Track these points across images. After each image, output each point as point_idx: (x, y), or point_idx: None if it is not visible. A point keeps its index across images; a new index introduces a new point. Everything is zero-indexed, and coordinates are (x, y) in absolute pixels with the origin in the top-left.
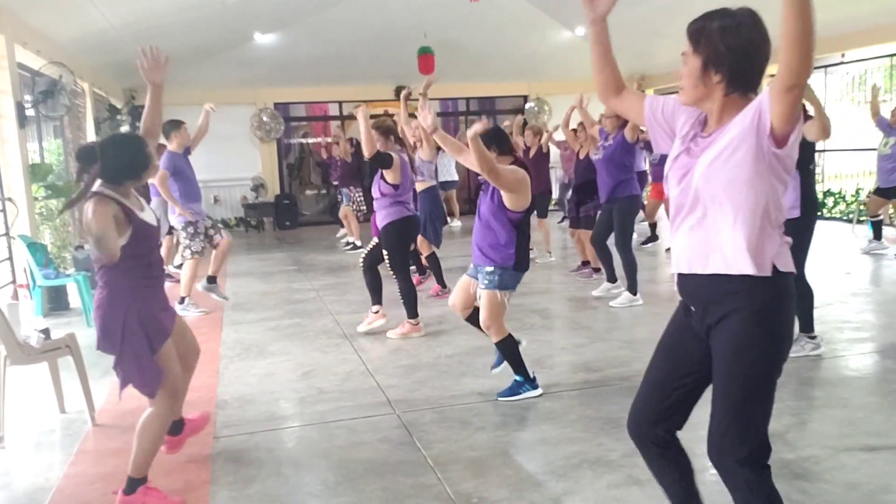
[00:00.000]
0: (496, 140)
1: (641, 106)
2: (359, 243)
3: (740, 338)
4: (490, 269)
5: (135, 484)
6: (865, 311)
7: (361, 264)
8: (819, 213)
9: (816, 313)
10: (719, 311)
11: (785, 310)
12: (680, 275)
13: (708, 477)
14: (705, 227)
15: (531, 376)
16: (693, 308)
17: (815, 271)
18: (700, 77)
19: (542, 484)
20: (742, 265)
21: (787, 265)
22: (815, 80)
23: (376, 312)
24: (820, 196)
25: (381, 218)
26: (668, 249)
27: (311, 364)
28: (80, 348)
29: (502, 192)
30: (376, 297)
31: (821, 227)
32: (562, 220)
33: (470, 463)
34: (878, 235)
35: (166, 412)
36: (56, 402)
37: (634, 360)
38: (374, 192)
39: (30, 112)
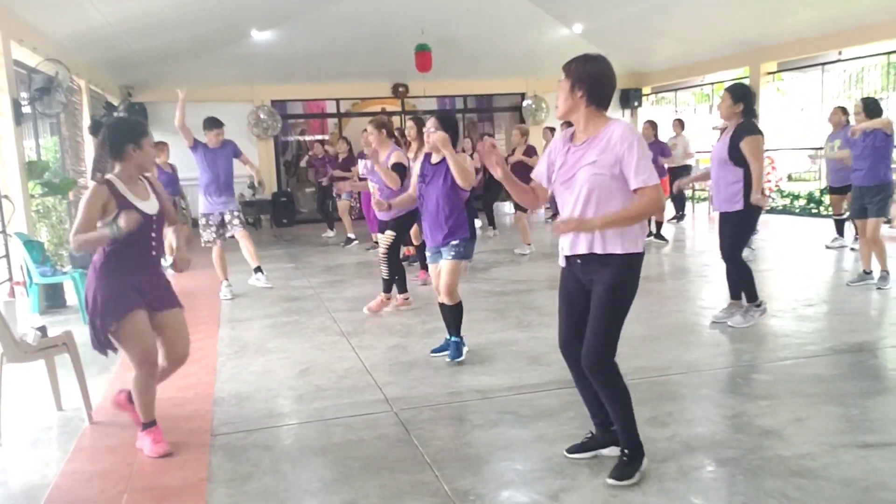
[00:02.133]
0: (451, 126)
1: (544, 185)
2: (353, 236)
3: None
4: (456, 242)
5: (146, 425)
6: (861, 309)
7: (386, 257)
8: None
9: (811, 311)
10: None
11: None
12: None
13: (704, 473)
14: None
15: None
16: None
17: (812, 268)
18: (569, 94)
19: (540, 481)
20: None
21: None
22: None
23: (406, 299)
24: (817, 193)
25: (396, 210)
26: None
27: (308, 361)
28: (76, 346)
29: (456, 175)
30: (404, 284)
31: (819, 225)
32: (552, 216)
33: (467, 460)
34: (840, 231)
35: (140, 373)
36: (53, 399)
37: (630, 358)
38: (382, 189)
39: (26, 109)
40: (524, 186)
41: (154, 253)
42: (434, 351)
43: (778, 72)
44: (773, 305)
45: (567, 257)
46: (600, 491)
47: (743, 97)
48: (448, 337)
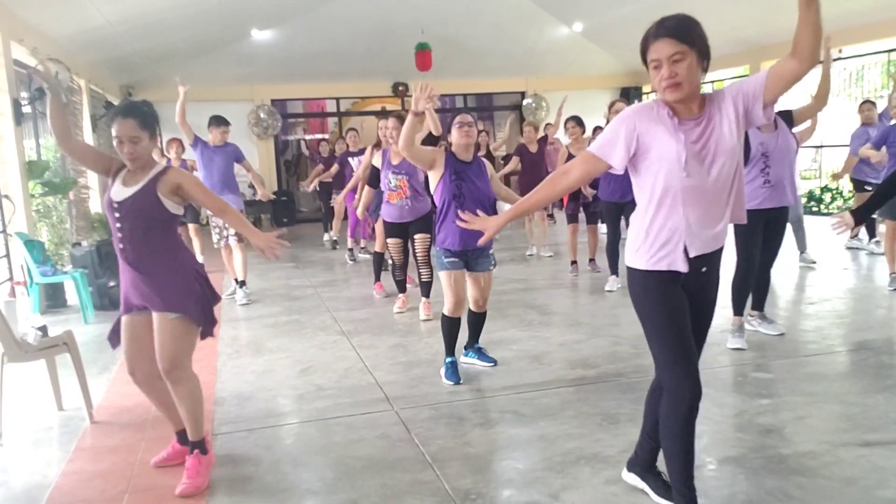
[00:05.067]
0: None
1: (603, 165)
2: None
3: None
4: (491, 250)
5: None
6: (862, 307)
7: (426, 259)
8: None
9: (812, 309)
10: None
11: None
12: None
13: (705, 472)
14: (730, 207)
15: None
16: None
17: (813, 267)
18: (698, 66)
19: (540, 480)
20: None
21: None
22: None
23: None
24: (818, 192)
25: (424, 207)
26: None
27: (309, 361)
28: (77, 345)
29: (401, 135)
30: (404, 285)
31: (818, 223)
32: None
33: (468, 459)
34: (871, 232)
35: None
36: (54, 399)
37: (632, 357)
38: (406, 182)
39: (26, 109)
40: (546, 182)
41: (122, 245)
42: (469, 356)
43: None
44: (776, 304)
45: (696, 258)
46: (601, 490)
47: None
48: (450, 358)
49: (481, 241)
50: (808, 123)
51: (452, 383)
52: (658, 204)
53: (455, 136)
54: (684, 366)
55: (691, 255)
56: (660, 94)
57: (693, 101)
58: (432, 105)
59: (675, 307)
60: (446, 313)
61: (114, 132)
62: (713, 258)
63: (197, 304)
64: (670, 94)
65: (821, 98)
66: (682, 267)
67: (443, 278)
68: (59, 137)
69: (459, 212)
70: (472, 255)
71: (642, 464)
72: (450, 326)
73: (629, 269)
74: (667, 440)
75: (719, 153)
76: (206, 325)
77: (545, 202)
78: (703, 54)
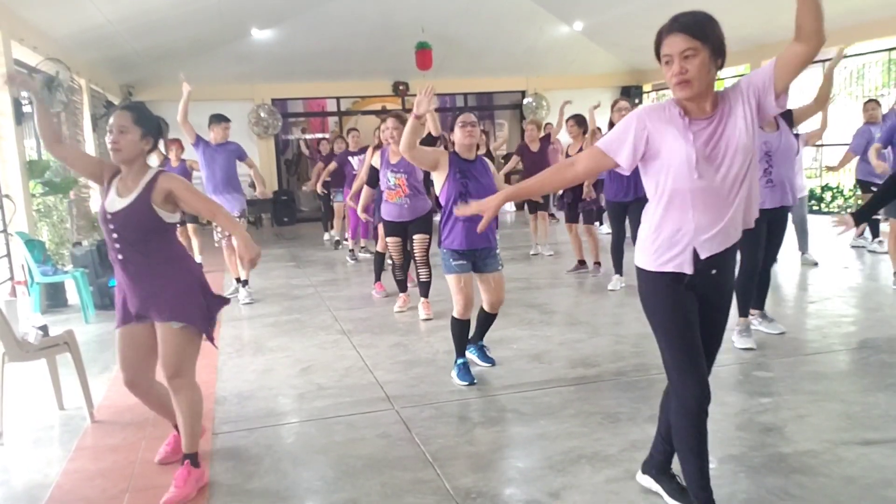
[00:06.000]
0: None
1: (609, 161)
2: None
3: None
4: (497, 250)
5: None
6: (862, 306)
7: (425, 259)
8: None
9: (814, 307)
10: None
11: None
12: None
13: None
14: (740, 206)
15: None
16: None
17: (813, 266)
18: (711, 63)
19: (541, 479)
20: None
21: None
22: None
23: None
24: (818, 191)
25: (423, 207)
26: None
27: (309, 360)
28: (78, 345)
29: (403, 136)
30: (405, 284)
31: (819, 222)
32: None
33: (468, 458)
34: (875, 232)
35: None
36: (55, 398)
37: (631, 356)
38: (404, 180)
39: (27, 108)
40: (552, 169)
41: (120, 256)
42: (471, 352)
43: None
44: (776, 303)
45: (705, 260)
46: (601, 488)
47: None
48: (461, 359)
49: (481, 226)
50: (817, 125)
51: (466, 384)
52: (667, 204)
53: (458, 136)
54: (691, 369)
55: (702, 256)
56: (671, 90)
57: (705, 99)
58: (433, 106)
59: (683, 310)
60: (456, 316)
61: (109, 124)
62: (724, 260)
63: (199, 312)
64: (680, 90)
65: (821, 100)
66: (689, 269)
67: (451, 282)
68: (47, 142)
69: (456, 205)
70: (479, 256)
71: (657, 466)
72: (459, 328)
73: (638, 269)
74: (679, 443)
75: (731, 153)
76: (208, 330)
77: (546, 189)
78: (717, 51)
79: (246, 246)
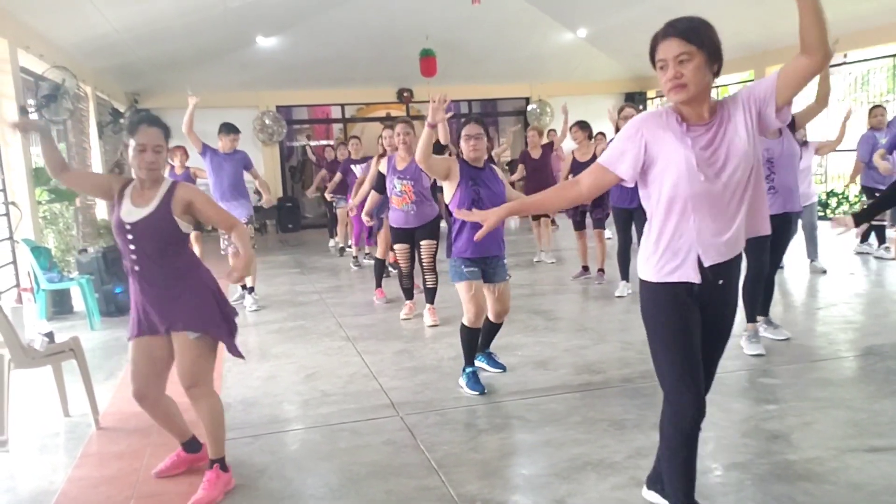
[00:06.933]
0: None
1: (611, 176)
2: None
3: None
4: (504, 259)
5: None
6: (869, 312)
7: (432, 266)
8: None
9: (820, 314)
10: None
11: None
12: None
13: (712, 478)
14: (743, 214)
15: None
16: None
17: (822, 274)
18: (706, 68)
19: (546, 486)
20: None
21: None
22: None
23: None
24: (823, 196)
25: (430, 213)
26: None
27: (314, 367)
28: (83, 351)
29: (418, 149)
30: (411, 291)
31: (824, 228)
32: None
33: (473, 465)
34: (881, 238)
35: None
36: (60, 405)
37: (637, 362)
38: (411, 187)
39: (33, 116)
40: (558, 187)
41: (138, 268)
42: (479, 360)
43: None
44: (783, 309)
45: (712, 270)
46: (607, 496)
47: None
48: (470, 368)
49: (479, 234)
50: (830, 137)
51: (478, 393)
52: (667, 212)
53: (464, 149)
54: (689, 382)
55: (706, 264)
56: (665, 95)
57: (702, 105)
58: (446, 116)
59: (685, 322)
60: (466, 324)
61: (137, 140)
62: (730, 270)
63: (215, 322)
64: (675, 94)
65: (821, 99)
66: (695, 278)
67: (462, 290)
68: (55, 173)
69: (457, 210)
70: (489, 264)
71: (662, 482)
72: (469, 336)
73: (640, 280)
74: (667, 454)
75: (730, 159)
76: (232, 343)
77: (549, 208)
78: (712, 57)
79: (246, 266)
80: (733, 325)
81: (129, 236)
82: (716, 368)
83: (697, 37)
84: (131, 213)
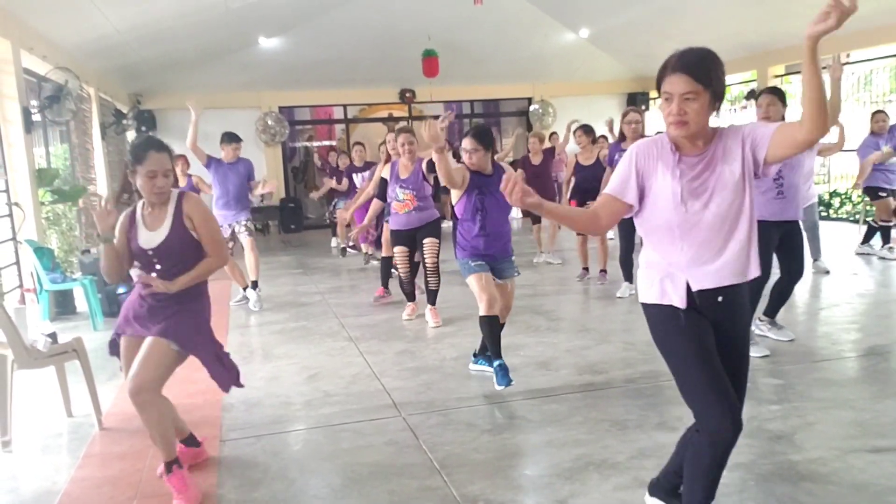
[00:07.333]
0: (490, 141)
1: (621, 204)
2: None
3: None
4: (513, 257)
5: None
6: (872, 312)
7: (435, 267)
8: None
9: (823, 314)
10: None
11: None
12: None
13: None
14: (737, 242)
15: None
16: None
17: (825, 273)
18: (710, 107)
19: (549, 486)
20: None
21: None
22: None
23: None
24: (826, 196)
25: (431, 214)
26: None
27: (316, 367)
28: (86, 352)
29: (442, 176)
30: (413, 292)
31: (827, 228)
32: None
33: (476, 465)
34: (886, 238)
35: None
36: (63, 405)
37: (639, 363)
38: (413, 196)
39: (36, 117)
40: (580, 212)
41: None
42: (480, 364)
43: (786, 75)
44: (785, 309)
45: (705, 292)
46: (609, 496)
47: (784, 100)
48: (497, 361)
49: (507, 186)
50: (834, 139)
51: (504, 386)
52: (657, 240)
53: (464, 159)
54: (718, 397)
55: (693, 288)
56: (666, 126)
57: (699, 137)
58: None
59: (697, 334)
60: (483, 313)
61: (147, 167)
62: (732, 288)
63: (199, 344)
64: (675, 129)
65: (833, 107)
66: (679, 303)
67: (472, 282)
68: (110, 277)
69: (471, 221)
70: (497, 260)
71: (665, 488)
72: (490, 326)
73: (642, 304)
74: (693, 474)
75: (718, 190)
76: (231, 377)
77: (567, 226)
78: (717, 96)
79: (165, 287)
80: (749, 340)
81: (154, 260)
82: (744, 387)
83: (706, 76)
84: (150, 239)
